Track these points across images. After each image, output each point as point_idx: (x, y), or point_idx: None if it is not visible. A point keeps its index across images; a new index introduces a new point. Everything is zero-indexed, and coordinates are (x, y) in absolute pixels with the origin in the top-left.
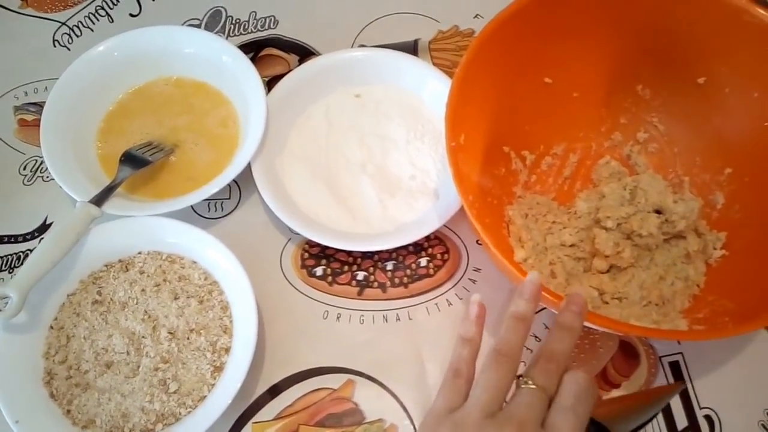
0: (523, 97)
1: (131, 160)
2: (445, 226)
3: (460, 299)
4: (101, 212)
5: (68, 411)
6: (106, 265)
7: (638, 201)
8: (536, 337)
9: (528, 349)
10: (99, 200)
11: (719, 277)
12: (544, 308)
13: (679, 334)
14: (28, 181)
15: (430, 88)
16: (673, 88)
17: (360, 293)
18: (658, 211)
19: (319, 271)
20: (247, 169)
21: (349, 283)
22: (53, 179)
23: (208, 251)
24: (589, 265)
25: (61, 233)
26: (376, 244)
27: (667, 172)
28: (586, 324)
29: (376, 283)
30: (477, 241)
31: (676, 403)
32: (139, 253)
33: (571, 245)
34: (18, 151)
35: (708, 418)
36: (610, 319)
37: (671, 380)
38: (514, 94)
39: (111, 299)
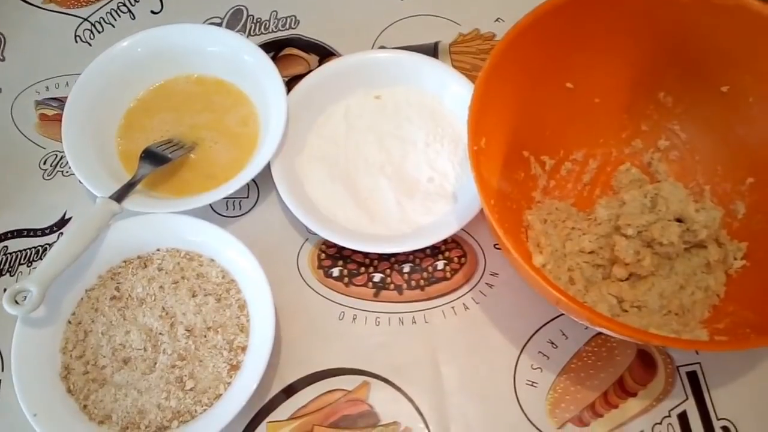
0: (544, 102)
1: (151, 157)
2: (462, 229)
3: (477, 303)
4: (121, 208)
5: (85, 406)
6: (125, 261)
7: (659, 209)
8: (552, 343)
9: (544, 355)
10: (119, 196)
11: (740, 288)
12: (562, 314)
13: (700, 345)
14: (48, 175)
15: (450, 91)
16: (696, 96)
17: (376, 295)
18: (679, 220)
19: (335, 271)
20: (266, 168)
21: (365, 285)
22: (73, 174)
23: (227, 250)
24: (608, 272)
25: (82, 228)
26: (393, 246)
27: (688, 181)
28: (605, 331)
29: (392, 285)
30: (495, 246)
31: (693, 414)
32: (158, 249)
33: (591, 252)
34: (38, 145)
35: (725, 429)
36: (631, 327)
37: (689, 390)
38: (535, 99)
39: (129, 295)
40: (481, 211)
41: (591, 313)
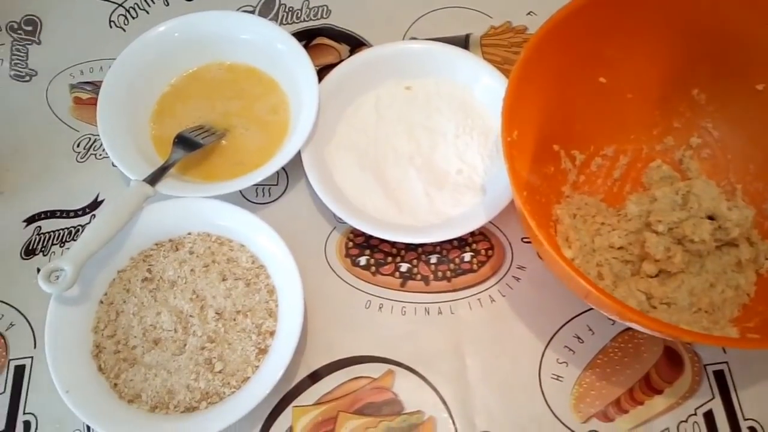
0: (576, 96)
1: (184, 142)
2: (490, 222)
3: (503, 296)
4: (155, 191)
5: (115, 384)
6: (157, 244)
7: (691, 206)
8: (579, 338)
9: (570, 350)
10: (153, 180)
11: None
12: (589, 309)
13: (730, 342)
14: (81, 158)
15: (482, 84)
16: (730, 94)
17: (403, 285)
18: (710, 218)
19: (362, 260)
20: (296, 157)
21: (392, 274)
22: (106, 157)
23: (257, 235)
24: (638, 268)
25: (116, 210)
26: (421, 237)
27: (720, 179)
28: (635, 326)
29: (419, 276)
30: (523, 239)
31: (719, 414)
32: (189, 233)
33: (620, 248)
34: (72, 128)
35: (752, 430)
36: (662, 321)
37: (715, 389)
38: (567, 93)
39: (161, 277)
40: (510, 203)
41: (621, 306)
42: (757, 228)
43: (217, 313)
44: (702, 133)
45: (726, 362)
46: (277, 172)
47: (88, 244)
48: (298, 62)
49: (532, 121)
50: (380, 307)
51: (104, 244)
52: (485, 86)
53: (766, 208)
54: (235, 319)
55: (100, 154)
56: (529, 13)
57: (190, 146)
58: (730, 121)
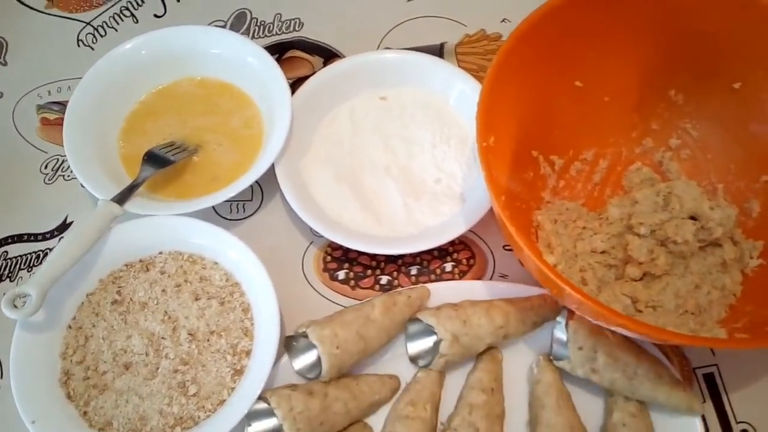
0: (553, 101)
1: (153, 159)
2: (470, 231)
3: None
4: (123, 211)
5: (85, 412)
6: (127, 265)
7: (672, 207)
8: None
9: None
10: (121, 199)
11: (757, 287)
12: None
13: (718, 342)
14: (49, 180)
15: (457, 91)
16: (708, 94)
17: None
18: (693, 218)
19: (341, 274)
20: (270, 171)
21: (372, 287)
22: (74, 179)
23: (230, 252)
24: (621, 272)
25: (83, 231)
26: (400, 248)
27: (701, 179)
28: (622, 330)
29: (399, 288)
30: (504, 247)
31: (711, 417)
32: (160, 253)
33: (603, 252)
34: (40, 149)
35: None
36: (648, 325)
37: (705, 392)
38: (544, 97)
39: (131, 299)
40: (490, 211)
41: (608, 311)
42: (740, 227)
43: (190, 334)
44: (681, 133)
45: (716, 365)
46: (251, 188)
47: (54, 267)
48: (271, 75)
49: (508, 127)
50: None
51: (71, 266)
52: (461, 94)
53: (749, 207)
54: (209, 340)
55: (69, 176)
56: (503, 21)
57: (160, 163)
58: (708, 121)
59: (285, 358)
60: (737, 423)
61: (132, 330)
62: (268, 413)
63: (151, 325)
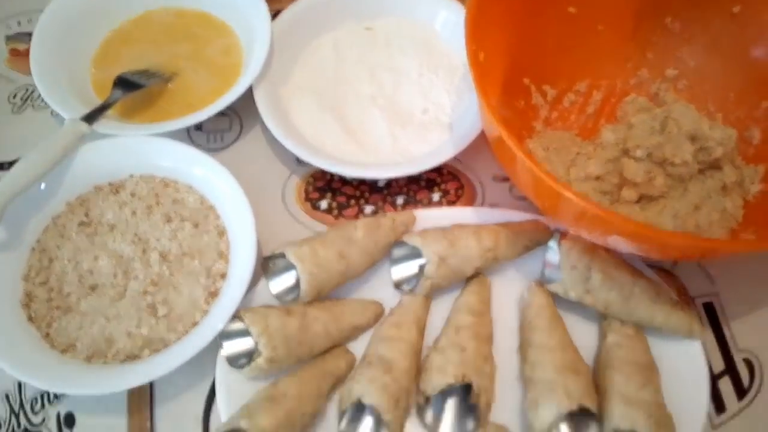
0: (545, 27)
1: (125, 83)
2: (459, 161)
3: None
4: (91, 130)
5: (47, 334)
6: (95, 188)
7: (669, 130)
8: None
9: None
10: (89, 118)
11: (758, 213)
12: None
13: (722, 244)
14: (17, 110)
15: (443, 19)
16: (705, 20)
17: None
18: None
19: (324, 204)
20: (250, 101)
21: (356, 217)
22: (44, 108)
23: (205, 174)
24: (617, 198)
25: (47, 148)
26: (386, 172)
27: (699, 109)
28: (619, 242)
29: None
30: (493, 177)
31: (711, 346)
32: (131, 176)
33: (597, 178)
34: (9, 79)
35: (747, 361)
36: (649, 226)
37: (705, 321)
38: (535, 22)
39: (99, 221)
40: (479, 140)
41: (609, 214)
42: (741, 155)
43: (161, 255)
44: (677, 63)
45: (716, 293)
46: (229, 118)
47: (15, 181)
48: (251, 2)
49: (498, 47)
50: None
51: (33, 182)
52: (447, 22)
53: (749, 135)
54: (181, 262)
55: (38, 105)
56: None
57: (132, 87)
58: (706, 48)
59: (262, 283)
60: (738, 351)
61: (99, 251)
62: (243, 333)
63: (120, 247)
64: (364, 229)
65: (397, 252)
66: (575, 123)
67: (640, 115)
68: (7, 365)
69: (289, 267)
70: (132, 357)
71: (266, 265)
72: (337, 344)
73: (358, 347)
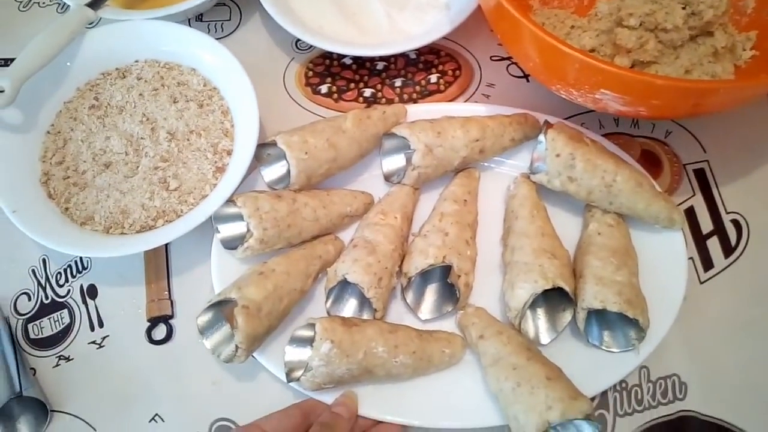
0: None
1: None
2: (457, 43)
3: None
4: (96, 15)
5: (66, 209)
6: (103, 74)
7: None
8: None
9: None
10: (93, 5)
11: (749, 78)
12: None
13: (728, 83)
14: (24, 7)
15: None
16: None
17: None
18: (684, 9)
19: (324, 88)
20: None
21: (356, 100)
22: (49, 5)
23: (208, 56)
24: None
25: (55, 31)
26: (383, 50)
27: None
28: (608, 95)
29: (384, 100)
30: (491, 57)
31: (701, 209)
32: (136, 61)
33: (592, 50)
34: None
35: (735, 222)
36: (640, 72)
37: (696, 186)
38: None
39: (108, 104)
40: (476, 19)
41: (608, 64)
42: (735, 25)
43: (169, 133)
44: None
45: (707, 160)
46: (229, 7)
47: (27, 62)
48: None
49: None
50: None
51: (44, 63)
52: None
53: (743, 5)
54: (188, 139)
55: (43, 2)
56: None
57: None
58: None
59: (255, 173)
60: (727, 213)
61: (111, 132)
62: (237, 217)
63: (130, 127)
64: (353, 120)
65: (387, 144)
66: (571, 2)
67: None
68: (35, 235)
69: (281, 156)
70: (147, 227)
71: (260, 153)
72: (327, 232)
73: (347, 236)
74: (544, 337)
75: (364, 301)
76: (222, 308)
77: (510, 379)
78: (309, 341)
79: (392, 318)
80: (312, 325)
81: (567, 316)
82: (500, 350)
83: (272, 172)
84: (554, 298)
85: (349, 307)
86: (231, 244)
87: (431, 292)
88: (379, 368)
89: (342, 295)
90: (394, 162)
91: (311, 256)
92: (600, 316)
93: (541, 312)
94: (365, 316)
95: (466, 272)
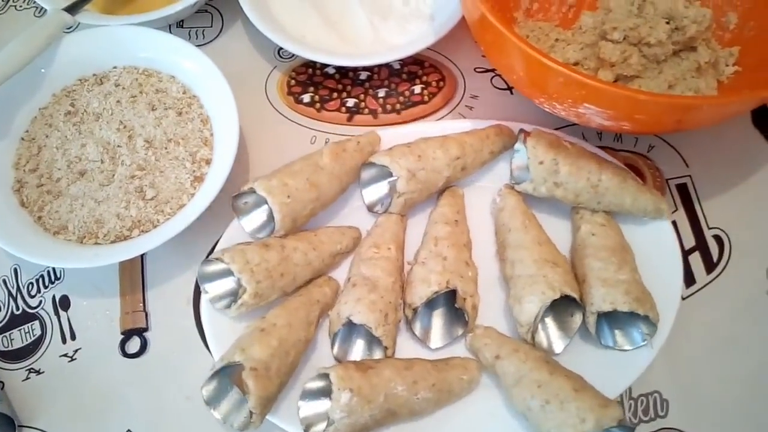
0: None
1: None
2: (441, 54)
3: None
4: (74, 20)
5: (39, 217)
6: (80, 80)
7: (646, 12)
8: None
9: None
10: (71, 9)
11: (731, 94)
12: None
13: (711, 99)
14: (0, 10)
15: None
16: None
17: (350, 119)
18: (668, 23)
19: (306, 98)
20: None
21: (338, 110)
22: (26, 8)
23: (187, 63)
24: None
25: (32, 34)
26: (366, 60)
27: None
28: (591, 109)
29: (366, 110)
30: (475, 69)
31: (683, 224)
32: (114, 67)
33: (576, 63)
34: None
35: (717, 237)
36: (624, 86)
37: (678, 201)
38: None
39: (85, 110)
40: (461, 29)
41: (591, 79)
42: (717, 41)
43: (146, 141)
44: None
45: (689, 175)
46: (211, 14)
47: (2, 65)
48: None
49: None
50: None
51: (20, 67)
52: None
53: (726, 21)
54: (166, 148)
55: (20, 6)
56: None
57: None
58: None
59: (234, 224)
60: (709, 229)
61: (86, 139)
62: (224, 273)
63: (106, 134)
64: (329, 155)
65: (366, 173)
66: (556, 14)
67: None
68: (6, 245)
69: (260, 202)
70: (122, 237)
71: (236, 204)
72: (320, 274)
73: (340, 274)
74: (558, 346)
75: (371, 340)
76: (227, 374)
77: (537, 397)
78: (322, 392)
79: (400, 351)
80: (324, 375)
81: (577, 321)
82: (520, 368)
83: (252, 220)
84: (560, 305)
85: (357, 349)
86: (221, 302)
87: (438, 319)
88: (402, 407)
89: (347, 337)
90: (376, 191)
91: (309, 303)
92: (608, 317)
93: (549, 321)
94: (376, 356)
95: (471, 294)
